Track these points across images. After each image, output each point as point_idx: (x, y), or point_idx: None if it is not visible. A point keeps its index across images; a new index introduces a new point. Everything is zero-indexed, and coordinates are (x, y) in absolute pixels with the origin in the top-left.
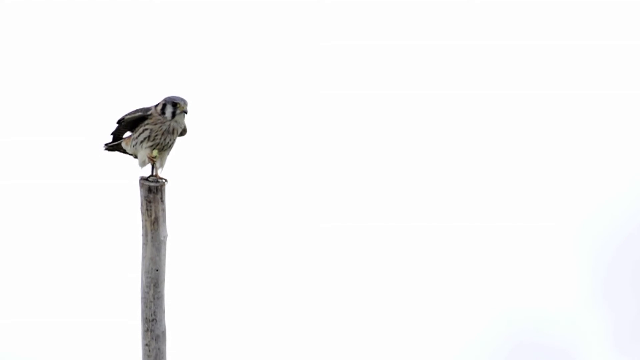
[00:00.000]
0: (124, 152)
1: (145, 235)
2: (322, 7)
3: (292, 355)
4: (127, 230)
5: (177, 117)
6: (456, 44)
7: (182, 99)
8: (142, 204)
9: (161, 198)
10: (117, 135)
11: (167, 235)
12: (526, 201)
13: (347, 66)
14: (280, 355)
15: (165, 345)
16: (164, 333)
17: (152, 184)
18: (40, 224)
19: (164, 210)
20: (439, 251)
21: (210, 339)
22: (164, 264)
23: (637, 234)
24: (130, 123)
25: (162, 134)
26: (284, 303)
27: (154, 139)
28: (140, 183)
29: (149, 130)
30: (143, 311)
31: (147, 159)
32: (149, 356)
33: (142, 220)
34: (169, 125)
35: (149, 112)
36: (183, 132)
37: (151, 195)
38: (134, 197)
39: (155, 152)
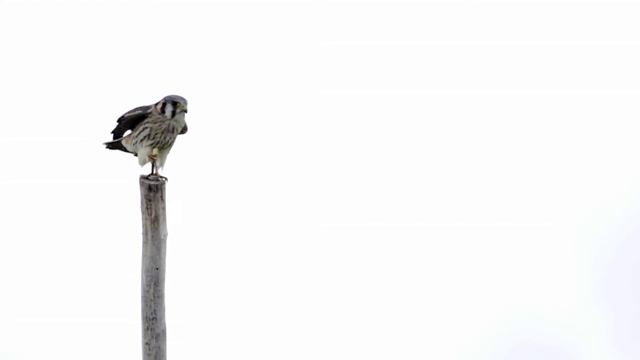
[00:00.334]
0: (125, 150)
1: (145, 233)
2: (322, 7)
3: (291, 354)
4: (127, 229)
5: (177, 116)
6: (456, 44)
7: (182, 98)
8: (142, 203)
9: (161, 197)
10: (117, 133)
11: (167, 234)
12: (526, 201)
13: (347, 66)
14: (280, 355)
15: (165, 343)
16: (164, 332)
17: (152, 183)
18: (40, 224)
19: (164, 208)
20: (439, 251)
21: (211, 338)
22: (164, 263)
23: (637, 234)
24: (130, 121)
25: (162, 132)
26: (284, 302)
27: (153, 138)
28: (140, 182)
29: (148, 128)
30: (143, 310)
31: (147, 158)
32: (149, 355)
33: (142, 219)
34: (169, 124)
35: (149, 111)
36: (184, 130)
37: (151, 194)
38: (134, 195)
39: (155, 151)
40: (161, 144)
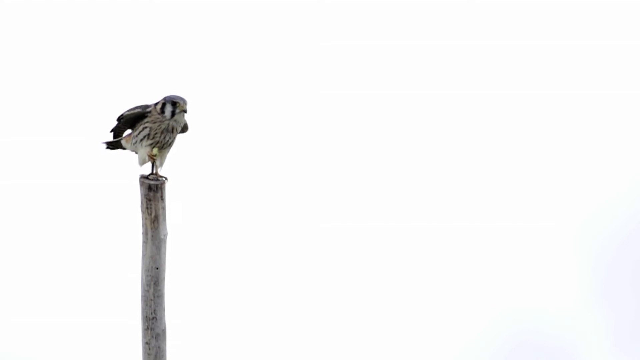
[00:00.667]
0: (125, 149)
1: (145, 233)
2: (322, 7)
3: (291, 354)
4: (127, 229)
5: (176, 117)
6: (456, 44)
7: (182, 98)
8: (142, 203)
9: (161, 196)
10: (117, 132)
11: (167, 234)
12: (526, 201)
13: (347, 66)
14: (280, 354)
15: (165, 343)
16: (164, 331)
17: (152, 182)
18: (40, 224)
19: (164, 208)
20: (439, 251)
21: (211, 337)
22: (164, 262)
23: (637, 234)
24: (129, 120)
25: (162, 132)
26: (284, 302)
27: (153, 137)
28: (140, 181)
29: (148, 128)
30: (143, 309)
31: (147, 157)
32: (149, 354)
33: (142, 219)
34: (168, 124)
35: (148, 110)
36: (184, 128)
37: (151, 194)
38: (134, 195)
39: (155, 151)
40: (161, 144)
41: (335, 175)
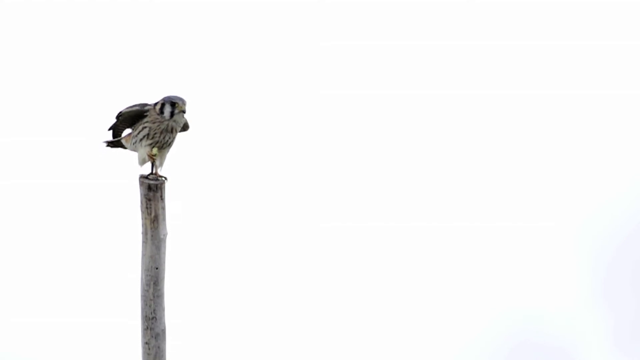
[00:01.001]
0: (126, 148)
1: (145, 233)
2: (322, 7)
3: (291, 354)
4: (126, 229)
5: (175, 117)
6: (456, 44)
7: (181, 99)
8: (141, 202)
9: (161, 196)
10: (115, 130)
11: (166, 234)
12: (526, 201)
13: (347, 66)
14: (280, 354)
15: (165, 343)
16: (163, 331)
17: (151, 182)
18: (40, 224)
19: (163, 208)
20: (439, 251)
21: (210, 337)
22: (164, 262)
23: (637, 234)
24: (128, 118)
25: (161, 132)
26: (284, 302)
27: (153, 137)
28: (140, 181)
29: (147, 128)
30: (143, 309)
31: (146, 157)
32: (148, 354)
33: (142, 219)
34: (168, 125)
35: (147, 108)
36: (185, 127)
37: (151, 194)
38: (134, 195)
39: (154, 150)
40: (160, 144)
41: (335, 175)
